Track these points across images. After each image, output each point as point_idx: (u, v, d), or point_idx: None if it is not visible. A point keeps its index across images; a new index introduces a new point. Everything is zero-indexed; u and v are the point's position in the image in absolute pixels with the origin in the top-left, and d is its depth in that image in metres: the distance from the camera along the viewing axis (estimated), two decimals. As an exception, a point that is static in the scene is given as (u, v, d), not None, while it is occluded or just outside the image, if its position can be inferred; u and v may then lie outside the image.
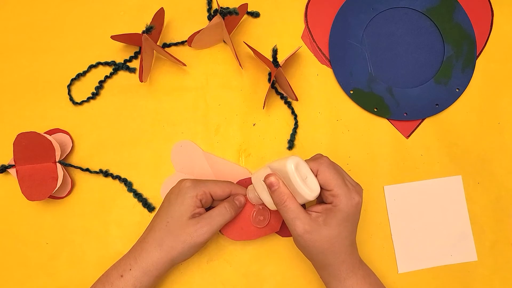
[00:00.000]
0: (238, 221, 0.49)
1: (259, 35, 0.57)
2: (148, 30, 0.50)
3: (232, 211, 0.47)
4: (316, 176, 0.42)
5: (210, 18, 0.56)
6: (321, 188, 0.42)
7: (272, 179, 0.42)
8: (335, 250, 0.42)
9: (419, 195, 0.54)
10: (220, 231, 0.49)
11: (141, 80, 0.52)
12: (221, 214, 0.46)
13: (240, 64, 0.54)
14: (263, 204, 0.46)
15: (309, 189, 0.41)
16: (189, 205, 0.45)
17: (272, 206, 0.44)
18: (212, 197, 0.47)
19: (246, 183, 0.52)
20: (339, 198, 0.41)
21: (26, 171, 0.50)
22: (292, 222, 0.41)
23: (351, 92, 0.55)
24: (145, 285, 0.44)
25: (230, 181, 0.49)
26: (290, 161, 0.41)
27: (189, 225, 0.44)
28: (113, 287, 0.43)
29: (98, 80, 0.55)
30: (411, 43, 0.56)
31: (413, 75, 0.55)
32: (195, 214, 0.45)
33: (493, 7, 0.57)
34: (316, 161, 0.43)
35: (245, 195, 0.49)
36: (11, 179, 0.53)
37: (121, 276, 0.43)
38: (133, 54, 0.56)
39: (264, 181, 0.43)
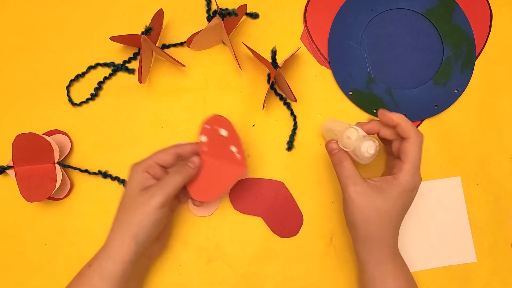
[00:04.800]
0: (203, 181, 0.48)
1: (258, 36, 0.57)
2: (147, 31, 0.50)
3: (183, 173, 0.46)
4: (404, 139, 0.43)
5: (209, 19, 0.56)
6: (394, 157, 0.44)
7: (332, 145, 0.45)
8: (382, 225, 0.42)
9: (418, 196, 0.53)
10: (189, 193, 0.48)
11: (140, 81, 0.52)
12: (171, 177, 0.45)
13: (239, 65, 0.54)
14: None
15: (366, 153, 0.42)
16: (138, 180, 0.45)
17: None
18: (162, 166, 0.46)
19: (245, 182, 0.53)
20: (404, 172, 0.42)
21: (25, 172, 0.50)
22: (345, 180, 0.43)
23: (350, 93, 0.55)
24: (110, 273, 0.42)
25: (176, 144, 0.48)
26: (352, 128, 0.43)
27: (141, 195, 0.44)
28: (81, 276, 0.43)
29: (97, 81, 0.55)
30: (410, 44, 0.56)
31: (412, 76, 0.55)
32: (146, 187, 0.45)
33: (492, 9, 0.57)
34: (413, 130, 0.43)
35: (197, 153, 0.48)
36: (10, 180, 0.53)
37: (89, 266, 0.43)
38: (132, 55, 0.56)
39: (326, 146, 0.46)
